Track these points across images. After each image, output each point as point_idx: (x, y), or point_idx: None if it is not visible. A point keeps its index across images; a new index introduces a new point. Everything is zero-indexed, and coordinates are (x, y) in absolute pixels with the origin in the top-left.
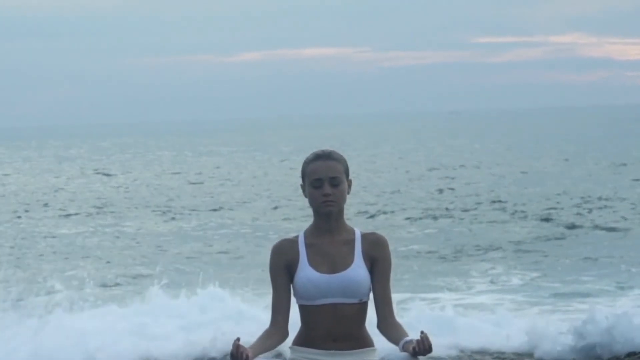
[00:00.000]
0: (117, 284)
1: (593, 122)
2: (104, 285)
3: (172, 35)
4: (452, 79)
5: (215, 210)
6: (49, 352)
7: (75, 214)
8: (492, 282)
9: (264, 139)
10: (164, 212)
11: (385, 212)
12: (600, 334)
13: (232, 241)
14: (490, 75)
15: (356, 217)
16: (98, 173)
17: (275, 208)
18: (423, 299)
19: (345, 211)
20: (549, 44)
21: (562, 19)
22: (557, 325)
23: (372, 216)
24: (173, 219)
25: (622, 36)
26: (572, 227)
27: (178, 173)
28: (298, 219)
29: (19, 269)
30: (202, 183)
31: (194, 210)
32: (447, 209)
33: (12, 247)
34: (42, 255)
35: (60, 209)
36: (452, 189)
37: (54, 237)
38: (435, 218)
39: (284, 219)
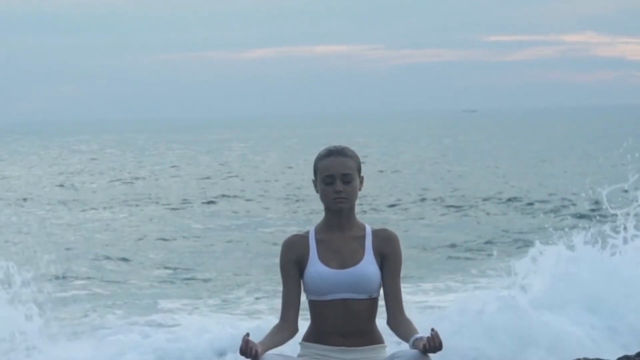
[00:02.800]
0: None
1: (607, 122)
2: None
3: (184, 31)
4: (465, 77)
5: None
6: None
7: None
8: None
9: (275, 136)
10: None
11: (401, 206)
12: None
13: None
14: (503, 74)
15: (368, 212)
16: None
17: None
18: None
19: (356, 208)
20: (561, 43)
21: (575, 18)
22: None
23: (389, 206)
24: None
25: (635, 36)
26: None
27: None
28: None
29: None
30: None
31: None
32: (465, 204)
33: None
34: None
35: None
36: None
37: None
38: (444, 214)
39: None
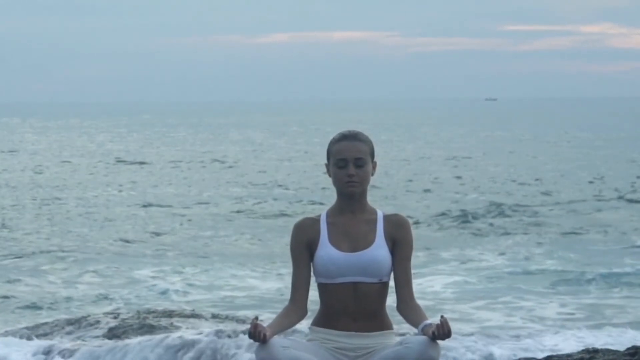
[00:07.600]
0: None
1: (624, 114)
2: None
3: (201, 15)
4: (481, 66)
5: None
6: None
7: None
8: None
9: (292, 121)
10: None
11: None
12: None
13: None
14: (519, 63)
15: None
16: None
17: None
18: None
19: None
20: (578, 34)
21: (592, 9)
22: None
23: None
24: None
25: None
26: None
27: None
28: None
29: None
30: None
31: None
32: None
33: None
34: None
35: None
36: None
37: None
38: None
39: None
